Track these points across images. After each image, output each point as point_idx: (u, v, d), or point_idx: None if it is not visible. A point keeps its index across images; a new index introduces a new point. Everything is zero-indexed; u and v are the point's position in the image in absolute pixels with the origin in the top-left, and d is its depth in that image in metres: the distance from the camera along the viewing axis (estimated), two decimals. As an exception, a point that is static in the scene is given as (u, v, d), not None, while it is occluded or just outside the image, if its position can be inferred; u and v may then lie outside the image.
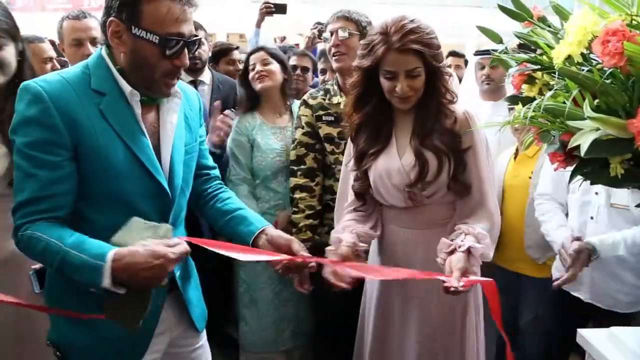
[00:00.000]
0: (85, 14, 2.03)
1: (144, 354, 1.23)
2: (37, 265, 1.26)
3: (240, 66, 3.23)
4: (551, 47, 1.10)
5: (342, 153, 1.92)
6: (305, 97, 2.09)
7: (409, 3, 12.38)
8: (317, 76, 2.93)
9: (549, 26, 1.18)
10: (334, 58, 1.91)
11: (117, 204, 1.15)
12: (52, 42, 2.39)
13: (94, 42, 2.01)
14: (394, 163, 1.48)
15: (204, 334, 1.43)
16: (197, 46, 1.23)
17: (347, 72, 1.90)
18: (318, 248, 1.65)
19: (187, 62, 1.17)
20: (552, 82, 1.13)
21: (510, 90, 1.38)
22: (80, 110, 1.10)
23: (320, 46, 3.43)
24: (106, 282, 1.02)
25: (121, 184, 1.15)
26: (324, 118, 1.99)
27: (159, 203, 1.21)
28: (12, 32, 1.38)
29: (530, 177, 2.00)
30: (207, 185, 1.43)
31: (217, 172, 1.49)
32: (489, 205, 1.46)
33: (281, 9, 3.20)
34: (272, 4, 3.18)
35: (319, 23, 3.29)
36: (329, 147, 1.98)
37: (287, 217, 2.06)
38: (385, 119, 1.51)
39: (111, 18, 1.10)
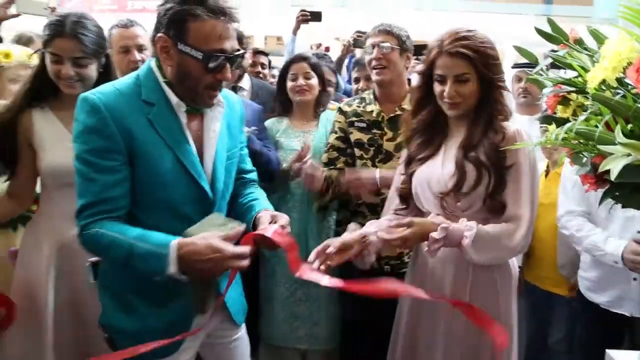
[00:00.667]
0: (133, 23, 2.14)
1: (182, 343, 1.30)
2: (94, 258, 1.37)
3: (263, 70, 3.32)
4: (586, 70, 1.12)
5: (371, 159, 1.98)
6: (341, 104, 2.15)
7: (446, 9, 12.29)
8: (347, 83, 2.98)
9: (585, 49, 1.20)
10: (374, 71, 1.96)
11: (162, 207, 1.25)
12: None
13: (140, 49, 2.10)
14: (436, 171, 1.51)
15: (242, 326, 1.50)
16: (240, 60, 1.32)
17: (386, 84, 1.95)
18: None
19: (229, 75, 1.25)
20: (586, 103, 1.15)
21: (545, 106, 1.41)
22: (132, 120, 1.19)
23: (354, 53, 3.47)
24: (172, 268, 1.11)
25: (167, 189, 1.24)
26: (356, 124, 2.05)
27: (202, 206, 1.29)
28: (96, 52, 1.52)
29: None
30: (243, 189, 1.50)
31: (254, 175, 1.57)
32: (520, 227, 1.41)
33: (317, 16, 3.29)
34: (308, 12, 3.27)
35: (359, 32, 3.33)
36: (358, 152, 2.04)
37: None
38: (439, 128, 1.54)
39: (160, 34, 1.19)
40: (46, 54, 1.50)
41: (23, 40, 2.22)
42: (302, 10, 3.29)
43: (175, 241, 1.13)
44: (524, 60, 2.50)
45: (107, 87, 1.25)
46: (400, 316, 1.65)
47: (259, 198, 1.44)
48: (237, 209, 1.44)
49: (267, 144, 2.13)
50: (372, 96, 2.07)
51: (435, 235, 1.36)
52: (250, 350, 1.57)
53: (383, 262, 1.98)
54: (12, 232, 1.68)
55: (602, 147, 0.96)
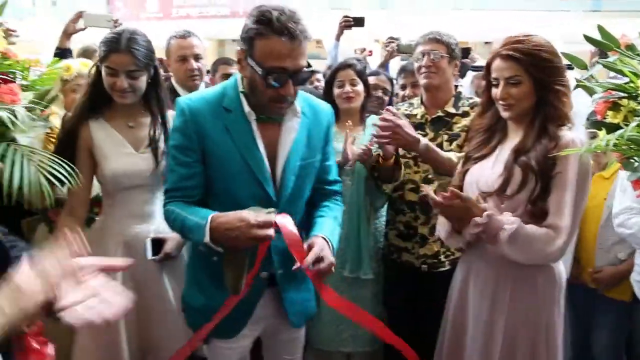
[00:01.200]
0: (190, 34, 2.23)
1: (241, 330, 1.44)
2: (157, 235, 1.60)
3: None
4: (638, 76, 1.14)
5: (412, 158, 2.00)
6: (391, 108, 2.20)
7: (487, 8, 12.05)
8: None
9: (638, 54, 1.21)
10: (422, 75, 1.99)
11: (231, 202, 1.33)
12: (161, 60, 2.67)
13: (197, 58, 2.16)
14: (486, 171, 1.52)
15: (301, 329, 1.62)
16: (307, 77, 1.38)
17: (433, 89, 1.99)
18: None
19: (291, 91, 1.31)
20: (638, 108, 1.16)
21: None
22: (211, 124, 1.33)
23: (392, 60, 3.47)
24: (206, 238, 1.24)
25: (235, 187, 1.36)
26: None
27: (265, 206, 1.34)
28: (147, 64, 1.63)
29: (605, 199, 1.95)
30: (321, 197, 1.55)
31: (337, 187, 1.59)
32: (559, 238, 1.38)
33: (359, 22, 3.26)
34: (351, 18, 3.26)
35: (391, 38, 3.34)
36: (401, 151, 2.07)
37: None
38: (498, 131, 1.55)
39: (239, 47, 1.30)
40: (102, 67, 1.60)
41: (88, 52, 2.37)
42: (345, 16, 3.27)
43: (212, 214, 1.26)
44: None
45: (197, 94, 1.42)
46: (447, 316, 1.67)
47: (325, 216, 1.49)
48: (310, 219, 1.50)
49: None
50: (419, 100, 2.11)
51: (478, 219, 1.37)
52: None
53: (420, 262, 2.01)
54: None
55: (654, 154, 0.97)
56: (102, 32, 2.41)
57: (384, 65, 3.39)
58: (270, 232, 1.24)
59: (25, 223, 1.80)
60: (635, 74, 1.13)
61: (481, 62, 3.23)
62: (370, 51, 3.59)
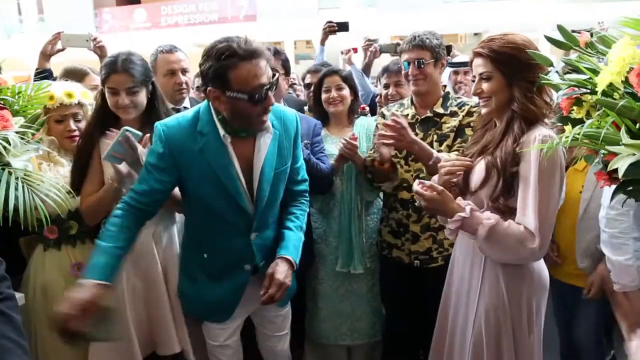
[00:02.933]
0: (177, 48, 2.30)
1: (231, 315, 1.66)
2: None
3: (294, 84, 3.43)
4: (597, 72, 1.19)
5: (404, 157, 2.06)
6: (383, 108, 2.29)
7: (476, 0, 12.11)
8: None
9: (597, 51, 1.26)
10: (411, 82, 2.06)
11: (211, 214, 1.54)
12: None
13: (184, 72, 2.24)
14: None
15: (287, 308, 1.86)
16: (277, 81, 1.47)
17: (422, 93, 2.04)
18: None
19: (273, 100, 1.43)
20: (597, 99, 1.21)
21: None
22: (186, 148, 1.46)
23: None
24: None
25: (211, 201, 1.51)
26: None
27: (243, 217, 1.55)
28: (144, 81, 1.75)
29: (580, 192, 1.93)
30: (290, 197, 1.72)
31: (303, 186, 1.75)
32: (533, 240, 1.37)
33: (344, 27, 3.32)
34: (335, 23, 3.31)
35: (369, 40, 3.39)
36: (393, 151, 2.12)
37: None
38: (490, 128, 1.58)
39: (210, 88, 1.39)
40: (105, 89, 1.73)
41: (73, 73, 2.35)
42: (328, 22, 3.34)
43: (87, 282, 1.32)
44: (558, 50, 2.50)
45: (172, 120, 1.52)
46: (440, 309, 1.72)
47: (292, 229, 1.66)
48: (279, 225, 1.69)
49: (322, 156, 2.23)
50: (409, 101, 2.17)
51: (459, 214, 1.42)
52: (296, 346, 1.82)
53: (413, 257, 2.08)
54: (70, 248, 1.83)
55: (609, 148, 1.03)
56: (82, 52, 2.49)
57: (369, 66, 3.44)
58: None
59: (23, 241, 1.85)
60: (593, 70, 1.19)
61: (461, 58, 3.29)
62: (355, 49, 3.61)
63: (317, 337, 2.39)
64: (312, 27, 10.85)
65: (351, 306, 2.32)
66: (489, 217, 1.42)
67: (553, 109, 1.46)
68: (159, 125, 1.49)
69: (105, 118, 1.73)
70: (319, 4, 11.24)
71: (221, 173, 1.47)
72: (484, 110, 1.53)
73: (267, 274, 1.50)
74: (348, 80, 2.33)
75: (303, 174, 1.74)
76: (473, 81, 1.54)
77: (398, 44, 3.22)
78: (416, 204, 1.71)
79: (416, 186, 1.46)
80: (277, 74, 1.48)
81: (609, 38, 1.19)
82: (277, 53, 2.24)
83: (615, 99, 1.10)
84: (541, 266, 1.53)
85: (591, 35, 1.27)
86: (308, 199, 1.78)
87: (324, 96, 2.32)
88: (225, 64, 1.33)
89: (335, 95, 2.29)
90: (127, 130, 1.57)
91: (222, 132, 1.46)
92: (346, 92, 2.31)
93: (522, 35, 1.47)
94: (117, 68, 1.69)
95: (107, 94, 1.71)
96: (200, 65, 1.40)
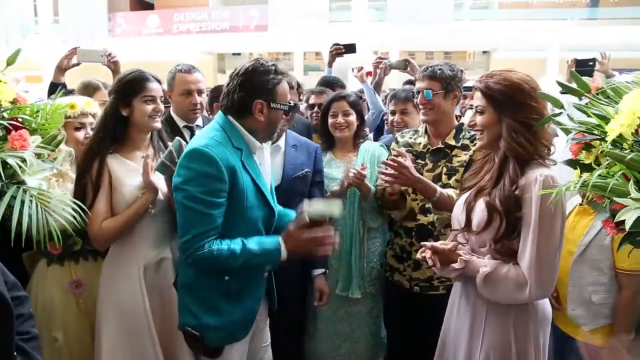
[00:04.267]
0: (195, 69, 2.32)
1: (253, 323, 1.68)
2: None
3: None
4: (607, 120, 1.21)
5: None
6: (397, 134, 2.30)
7: (486, 19, 12.17)
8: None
9: (608, 97, 1.28)
10: (421, 112, 2.09)
11: (245, 224, 1.57)
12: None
13: (199, 92, 2.27)
14: (459, 207, 1.60)
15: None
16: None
17: (431, 123, 2.06)
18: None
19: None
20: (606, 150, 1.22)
21: None
22: (234, 164, 1.51)
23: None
24: (283, 256, 1.53)
25: (251, 211, 1.57)
26: None
27: (269, 220, 1.65)
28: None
29: (584, 235, 1.78)
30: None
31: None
32: (529, 286, 1.38)
33: (351, 49, 3.32)
34: (342, 45, 3.31)
35: (379, 58, 3.41)
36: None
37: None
38: (489, 162, 1.59)
39: (257, 100, 1.54)
40: (139, 99, 1.75)
41: (90, 88, 2.44)
42: (335, 44, 3.33)
43: (279, 238, 1.55)
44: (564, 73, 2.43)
45: (208, 140, 1.51)
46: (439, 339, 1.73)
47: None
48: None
49: (320, 188, 2.28)
50: (424, 129, 2.19)
51: (455, 265, 1.47)
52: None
53: (413, 283, 2.09)
54: (73, 264, 1.84)
55: (617, 199, 1.05)
56: (96, 67, 2.54)
57: (379, 84, 3.46)
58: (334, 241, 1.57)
59: (26, 256, 1.87)
60: (603, 117, 1.20)
61: (471, 82, 3.30)
62: (370, 72, 3.63)
63: (315, 357, 2.40)
64: (322, 39, 10.94)
65: (350, 327, 2.33)
66: (485, 265, 1.43)
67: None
68: (201, 147, 1.47)
69: (107, 134, 1.75)
70: (330, 16, 11.32)
71: (259, 181, 1.58)
72: (479, 144, 1.56)
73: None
74: (355, 105, 2.35)
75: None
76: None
77: (407, 61, 3.26)
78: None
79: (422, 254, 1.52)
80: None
81: (621, 89, 1.21)
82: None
83: (624, 149, 1.12)
84: (545, 302, 1.53)
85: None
86: None
87: (330, 121, 2.34)
88: (276, 78, 1.55)
89: (342, 121, 2.31)
90: (179, 141, 1.67)
91: (258, 144, 1.61)
92: (352, 117, 2.33)
93: (522, 74, 1.47)
94: (150, 78, 1.77)
95: (138, 104, 1.75)
96: (239, 82, 1.53)
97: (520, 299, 1.40)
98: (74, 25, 11.02)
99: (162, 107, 1.79)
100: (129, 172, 1.76)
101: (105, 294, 1.77)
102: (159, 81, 1.83)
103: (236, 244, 1.50)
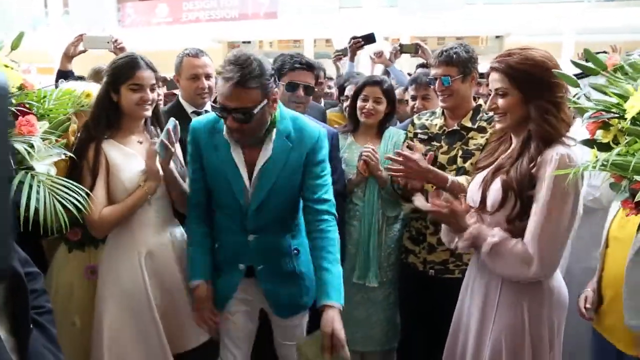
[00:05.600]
0: (203, 53, 2.29)
1: (225, 306, 1.74)
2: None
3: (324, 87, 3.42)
4: (626, 97, 1.16)
5: None
6: (414, 117, 2.27)
7: (499, 2, 11.91)
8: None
9: (626, 74, 1.23)
10: (440, 98, 2.06)
11: (218, 209, 1.72)
12: (165, 79, 2.73)
13: (207, 77, 2.23)
14: (474, 185, 1.56)
15: (302, 317, 1.83)
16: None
17: (451, 107, 2.03)
18: None
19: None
20: (626, 127, 1.18)
21: None
22: (206, 141, 1.63)
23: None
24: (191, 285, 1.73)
25: (218, 195, 1.67)
26: (419, 136, 2.16)
27: (239, 215, 1.65)
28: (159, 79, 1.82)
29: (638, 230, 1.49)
30: (310, 216, 1.68)
31: (325, 206, 1.67)
32: (533, 264, 1.35)
33: (369, 39, 3.27)
34: (360, 37, 3.27)
35: (401, 44, 3.36)
36: None
37: None
38: (504, 142, 1.56)
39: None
40: (126, 86, 1.69)
41: (101, 75, 2.42)
42: (353, 37, 3.28)
43: (198, 282, 1.68)
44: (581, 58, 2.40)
45: (205, 116, 1.71)
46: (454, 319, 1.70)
47: (329, 269, 1.64)
48: (311, 242, 1.70)
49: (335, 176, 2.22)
50: (441, 111, 2.15)
51: (465, 233, 1.44)
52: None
53: (428, 266, 2.08)
54: (93, 250, 1.84)
55: (637, 177, 1.01)
56: (102, 54, 2.53)
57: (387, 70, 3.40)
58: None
59: (46, 243, 1.87)
60: (621, 95, 1.16)
61: (482, 68, 3.23)
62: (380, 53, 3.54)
63: None
64: (332, 26, 10.82)
65: (366, 313, 2.32)
66: (493, 235, 1.41)
67: None
68: (194, 120, 1.69)
69: (103, 120, 1.72)
70: (340, 2, 11.17)
71: (227, 169, 1.60)
72: (498, 126, 1.50)
73: (325, 333, 1.55)
74: (389, 93, 2.28)
75: (324, 193, 1.67)
76: (489, 94, 1.52)
77: (418, 44, 3.20)
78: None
79: (425, 205, 1.48)
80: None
81: (639, 64, 1.16)
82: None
83: (644, 126, 1.08)
84: (561, 284, 1.50)
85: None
86: (333, 222, 1.68)
87: (359, 104, 2.28)
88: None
89: (371, 107, 2.25)
90: (174, 121, 1.70)
91: (225, 130, 1.61)
92: (382, 106, 2.26)
93: (542, 51, 1.42)
94: (141, 65, 1.70)
95: (125, 92, 1.69)
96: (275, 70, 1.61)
97: (522, 275, 1.38)
98: (83, 16, 11.03)
99: (150, 96, 1.71)
100: (127, 158, 1.73)
101: (105, 276, 1.76)
102: (153, 69, 1.75)
103: (198, 247, 1.72)
